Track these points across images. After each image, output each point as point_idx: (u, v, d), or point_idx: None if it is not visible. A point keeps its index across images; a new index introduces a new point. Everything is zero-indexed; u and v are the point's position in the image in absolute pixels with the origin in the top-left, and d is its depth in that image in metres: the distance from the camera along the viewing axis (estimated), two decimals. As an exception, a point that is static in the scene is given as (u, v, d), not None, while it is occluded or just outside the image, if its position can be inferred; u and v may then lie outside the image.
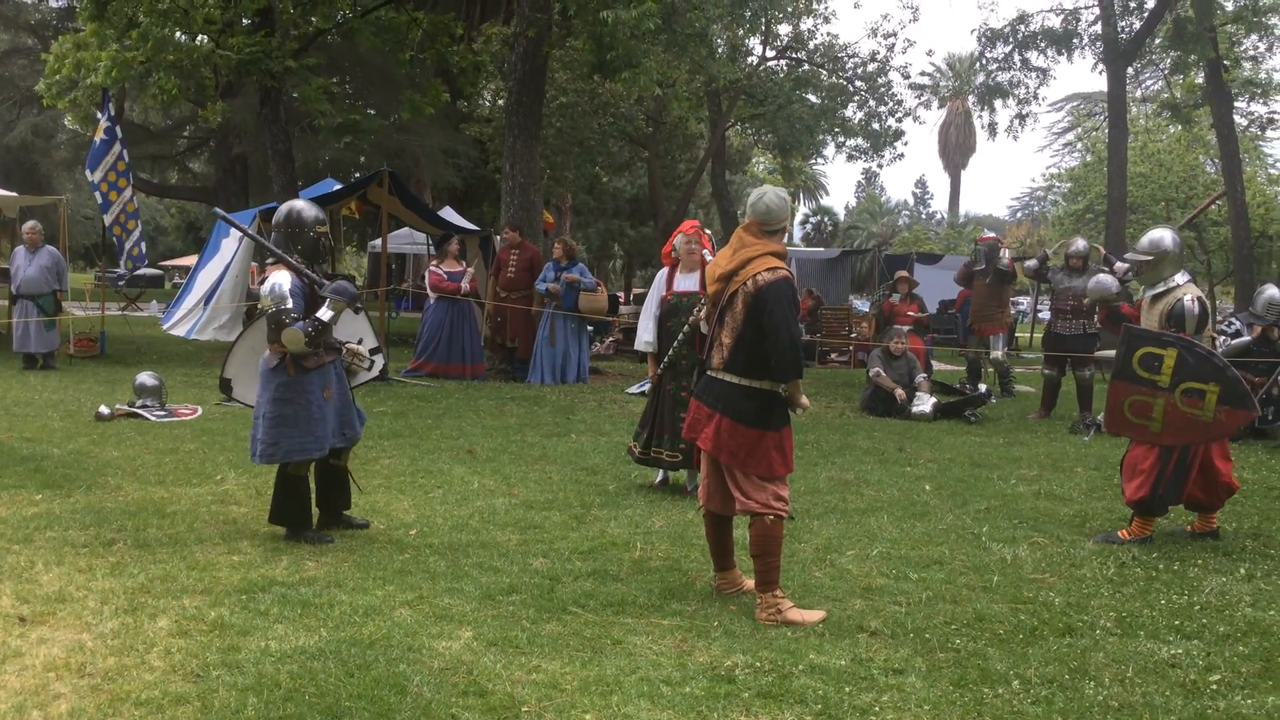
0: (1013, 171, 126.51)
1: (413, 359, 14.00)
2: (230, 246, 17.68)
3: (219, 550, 5.54)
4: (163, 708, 3.63)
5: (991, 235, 14.88)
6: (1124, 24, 22.93)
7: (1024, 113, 25.70)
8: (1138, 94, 32.17)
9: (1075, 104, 50.76)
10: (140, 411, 9.77)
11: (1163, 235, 6.72)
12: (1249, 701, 3.93)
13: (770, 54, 24.40)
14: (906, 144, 52.94)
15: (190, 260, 32.23)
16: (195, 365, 14.14)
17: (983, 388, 13.34)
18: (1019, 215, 65.96)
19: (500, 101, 23.97)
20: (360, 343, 6.18)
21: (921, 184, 78.01)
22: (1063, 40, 23.94)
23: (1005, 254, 13.80)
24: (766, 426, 4.78)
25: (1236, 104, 24.32)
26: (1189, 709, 3.85)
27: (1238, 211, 21.38)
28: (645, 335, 7.56)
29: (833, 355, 19.73)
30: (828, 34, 25.11)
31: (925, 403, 11.71)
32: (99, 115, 14.52)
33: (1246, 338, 10.79)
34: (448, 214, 20.30)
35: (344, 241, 30.04)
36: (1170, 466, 6.20)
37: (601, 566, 5.43)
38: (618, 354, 18.22)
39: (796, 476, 6.91)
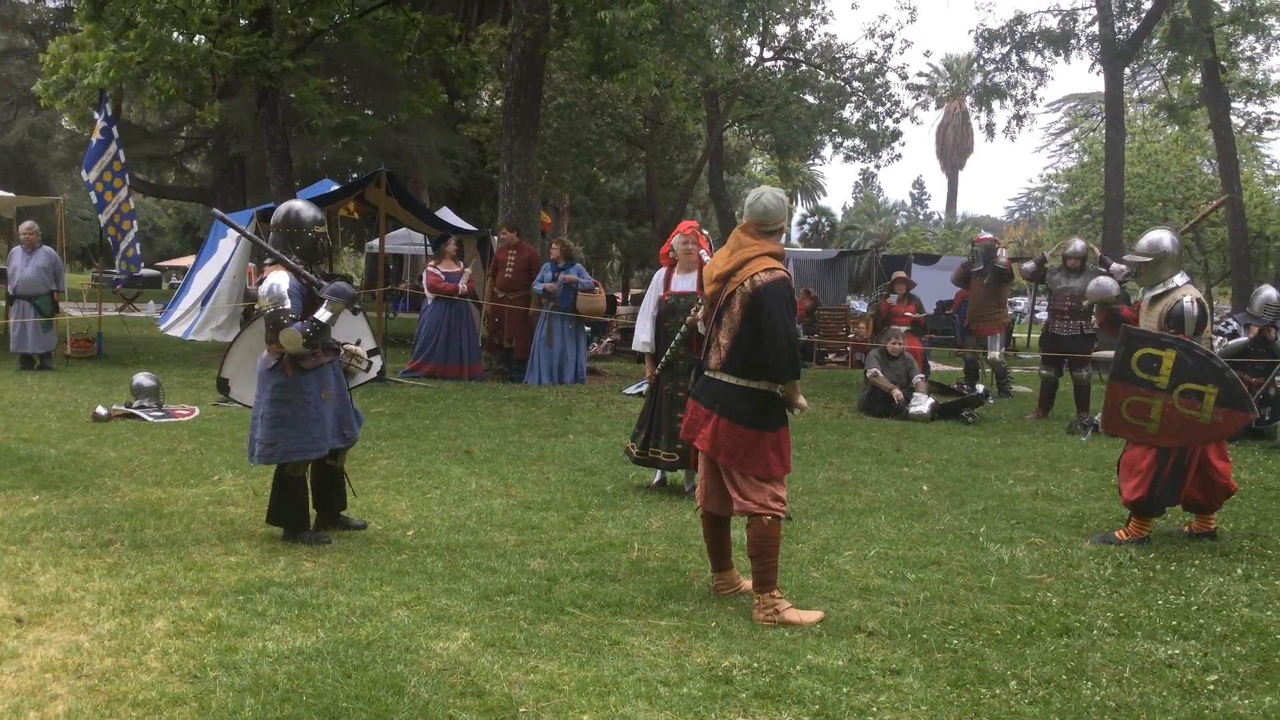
0: (1010, 172, 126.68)
1: (410, 359, 14.00)
2: (228, 247, 17.69)
3: (216, 551, 5.54)
4: (160, 708, 3.63)
5: (988, 236, 14.89)
6: (1121, 25, 22.98)
7: (1021, 113, 25.80)
8: (1135, 95, 32.25)
9: (1072, 105, 50.84)
10: (137, 412, 9.76)
11: (1161, 236, 6.72)
12: (1246, 702, 3.94)
13: (768, 54, 24.43)
14: (904, 145, 52.94)
15: (187, 261, 32.21)
16: (192, 366, 14.13)
17: (980, 388, 13.34)
18: (1016, 216, 66.06)
19: (498, 102, 23.98)
20: (359, 344, 6.18)
21: (919, 185, 77.97)
22: (1060, 41, 23.99)
23: (1002, 254, 13.82)
24: (764, 427, 4.78)
25: (1234, 104, 24.38)
26: (1186, 709, 3.86)
27: (1235, 212, 21.43)
28: (643, 335, 7.56)
29: (830, 356, 19.74)
30: (825, 34, 25.07)
31: (923, 403, 11.72)
32: (96, 115, 14.51)
33: (1243, 338, 10.81)
34: (445, 214, 20.29)
35: (341, 242, 30.02)
36: (1168, 467, 6.21)
37: (599, 567, 5.43)
38: (615, 354, 18.23)
39: (794, 477, 6.91)
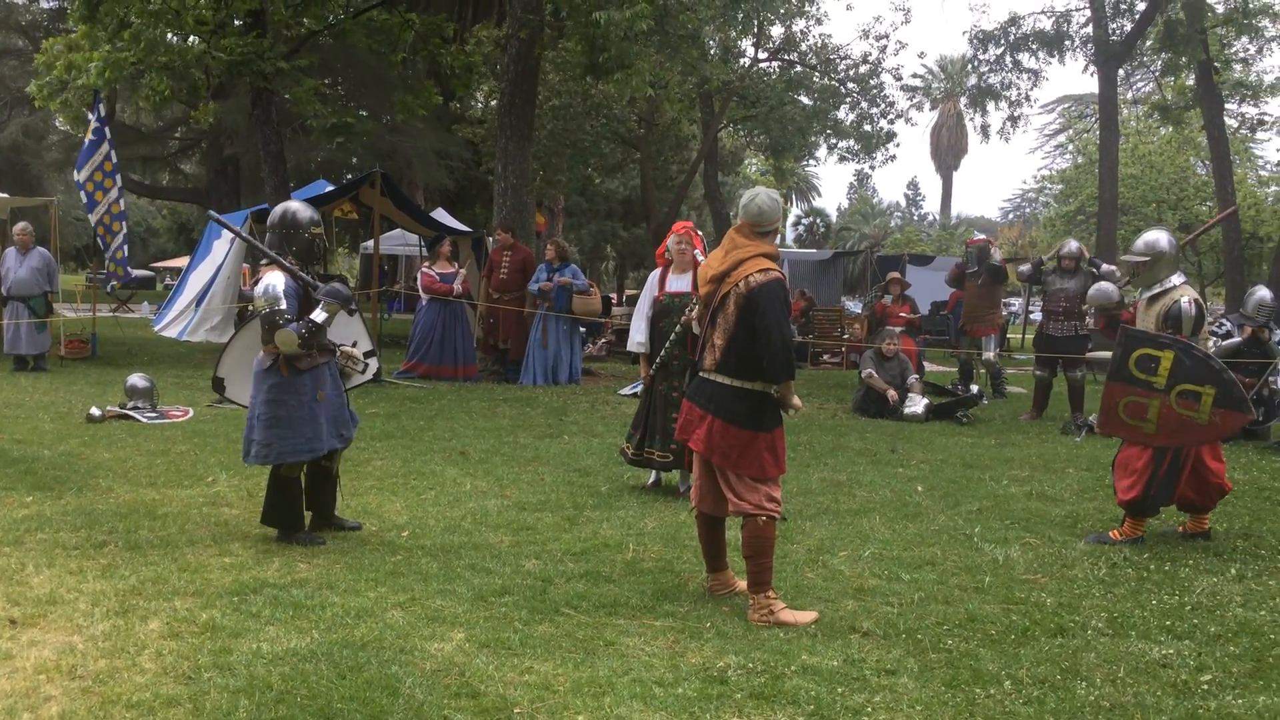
0: (1004, 173, 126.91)
1: (405, 360, 13.99)
2: (222, 248, 17.68)
3: (210, 552, 5.53)
4: (154, 710, 3.62)
5: (982, 237, 14.90)
6: (1115, 26, 23.03)
7: (1016, 115, 25.83)
8: (1129, 96, 32.34)
9: (1066, 106, 50.85)
10: (131, 413, 9.75)
11: (1158, 237, 6.73)
12: (1240, 701, 3.95)
13: (762, 56, 24.43)
14: (898, 146, 53.09)
15: (182, 262, 32.20)
16: (187, 367, 14.11)
17: (974, 389, 13.35)
18: (1011, 217, 66.08)
19: (493, 103, 23.97)
20: (355, 345, 6.18)
21: (913, 185, 78.29)
22: (1054, 42, 24.04)
23: (996, 253, 13.83)
24: (759, 428, 4.79)
25: (1227, 106, 24.43)
26: (1180, 709, 3.86)
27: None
28: (637, 336, 7.55)
29: (825, 356, 19.76)
30: (820, 35, 24.97)
31: (917, 404, 11.72)
32: (90, 116, 14.49)
33: (1237, 339, 10.83)
34: (440, 215, 20.29)
35: (336, 243, 30.00)
36: (1163, 467, 6.21)
37: (594, 568, 5.43)
38: (610, 355, 18.23)
39: (789, 478, 6.91)
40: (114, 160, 14.10)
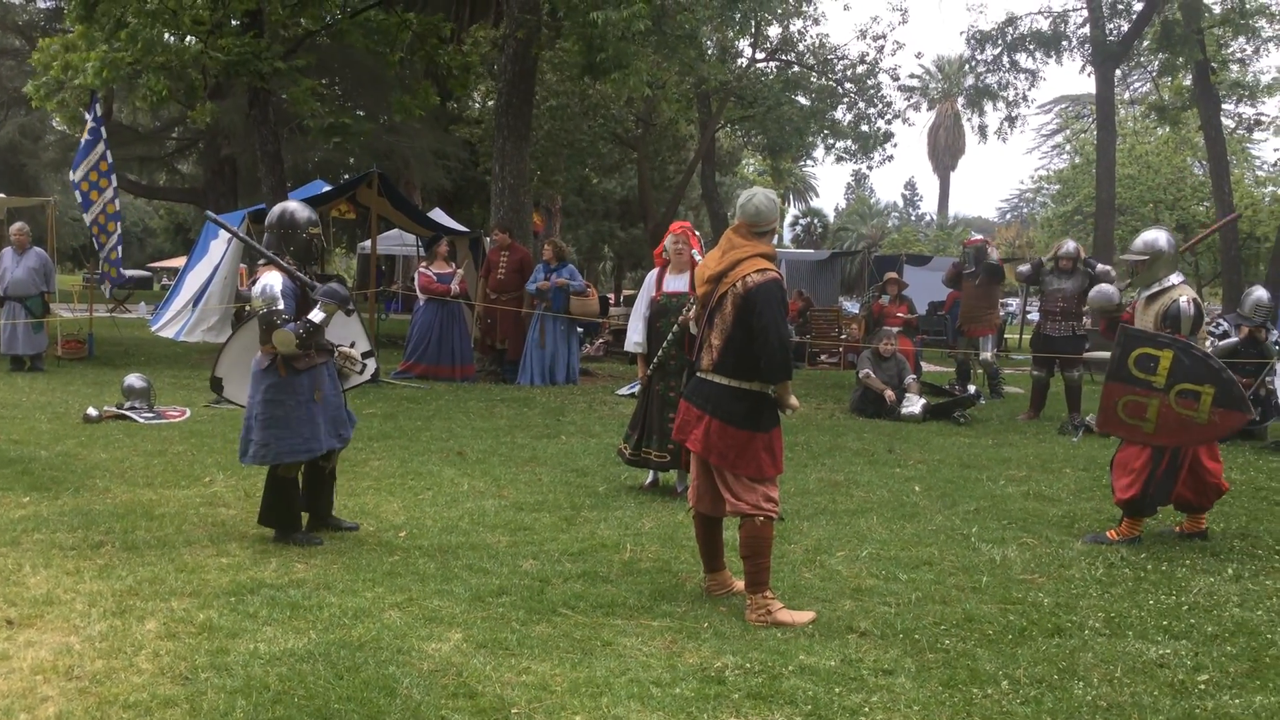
0: (1002, 173, 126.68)
1: (402, 360, 13.98)
2: (219, 248, 17.68)
3: (207, 552, 5.53)
4: (151, 710, 3.62)
5: (979, 238, 14.92)
6: (1112, 26, 23.07)
7: (1013, 115, 25.87)
8: (1126, 96, 32.38)
9: (1064, 106, 50.91)
10: (128, 413, 9.74)
11: (1157, 236, 6.73)
12: (1237, 701, 3.95)
13: (760, 56, 24.44)
14: (896, 146, 52.91)
15: (178, 262, 32.14)
16: (184, 367, 14.09)
17: (972, 389, 13.37)
18: (1008, 217, 66.11)
19: (490, 103, 23.96)
20: (353, 346, 6.17)
21: (911, 186, 78.38)
22: (1051, 42, 24.07)
23: (993, 252, 13.84)
24: (756, 428, 4.79)
25: (1224, 106, 24.46)
26: (1177, 709, 3.87)
27: (1225, 214, 21.49)
28: (635, 336, 7.55)
29: (822, 356, 19.76)
30: (817, 35, 25.03)
31: (914, 404, 11.73)
32: (86, 116, 14.47)
33: (1234, 339, 10.84)
34: (437, 215, 20.31)
35: (333, 243, 30.00)
36: (1161, 467, 6.22)
37: (591, 568, 5.43)
38: (607, 355, 18.23)
39: (786, 478, 6.91)
40: (109, 160, 14.09)
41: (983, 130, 47.00)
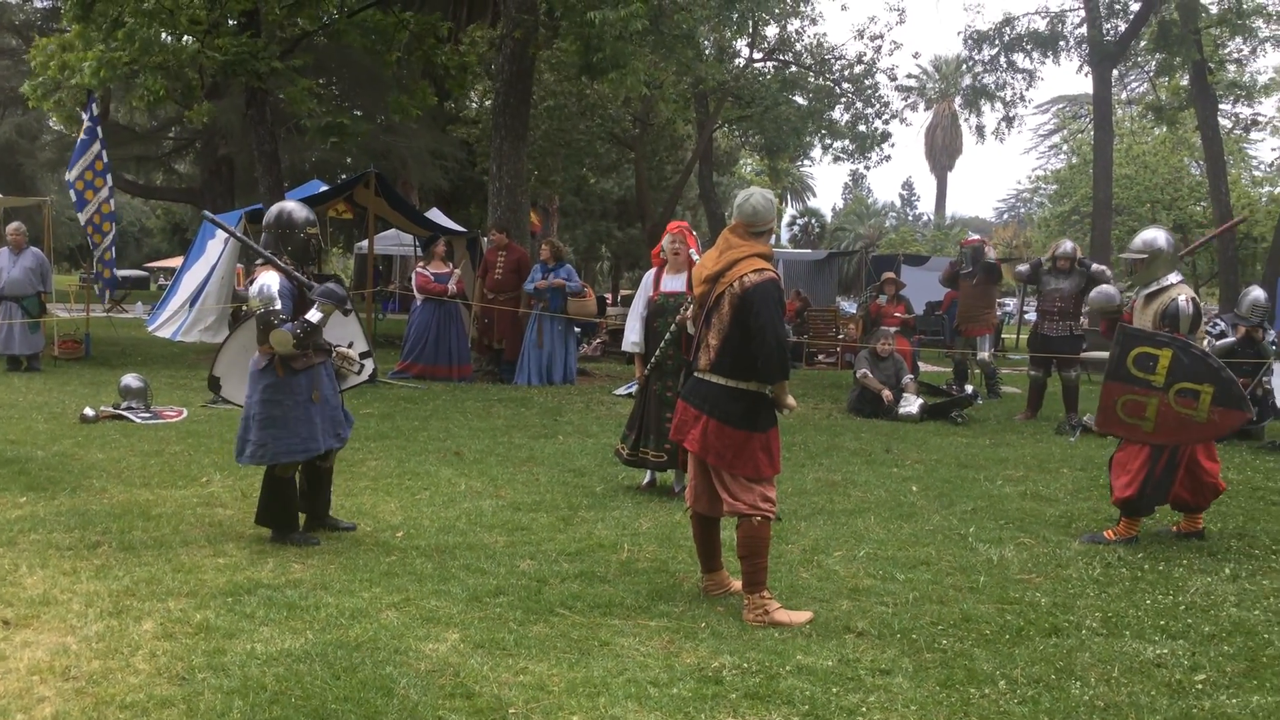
0: (999, 173, 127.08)
1: (399, 360, 13.98)
2: (216, 248, 17.65)
3: (204, 553, 5.52)
4: (148, 711, 3.62)
5: (976, 238, 14.92)
6: (1109, 26, 23.08)
7: (1010, 115, 25.88)
8: (1123, 96, 32.37)
9: (1061, 106, 50.98)
10: (125, 413, 9.73)
11: (1156, 235, 6.74)
12: (1234, 701, 3.95)
13: (757, 56, 24.46)
14: (893, 146, 52.95)
15: (176, 262, 32.12)
16: (180, 367, 14.08)
17: (969, 389, 13.37)
18: (1005, 217, 66.20)
19: (487, 103, 23.96)
20: (351, 346, 6.17)
21: (908, 186, 78.41)
22: (1048, 43, 24.09)
23: (990, 252, 13.85)
24: (753, 428, 4.79)
25: (1221, 106, 24.48)
26: (1174, 709, 3.87)
27: (1222, 214, 21.53)
28: (632, 336, 7.55)
29: (820, 356, 19.77)
30: (814, 35, 25.07)
31: (912, 404, 11.73)
32: (83, 115, 14.46)
33: (1231, 339, 10.84)
34: (434, 215, 20.29)
35: (331, 243, 29.98)
36: (1160, 466, 6.22)
37: (589, 568, 5.43)
38: (605, 355, 18.22)
39: (784, 478, 6.91)
40: (105, 160, 14.08)
41: (980, 130, 46.86)
